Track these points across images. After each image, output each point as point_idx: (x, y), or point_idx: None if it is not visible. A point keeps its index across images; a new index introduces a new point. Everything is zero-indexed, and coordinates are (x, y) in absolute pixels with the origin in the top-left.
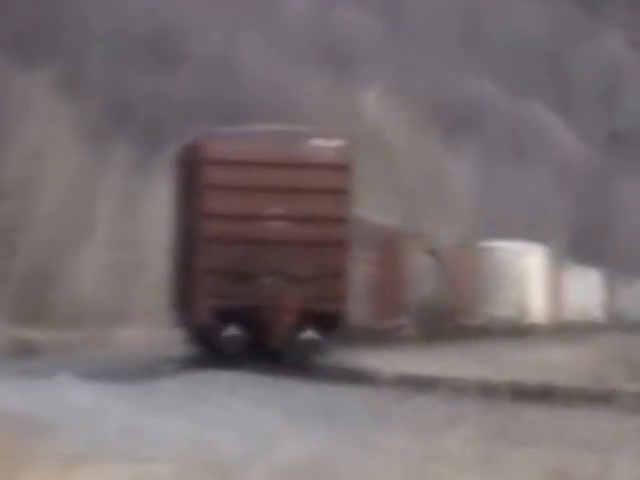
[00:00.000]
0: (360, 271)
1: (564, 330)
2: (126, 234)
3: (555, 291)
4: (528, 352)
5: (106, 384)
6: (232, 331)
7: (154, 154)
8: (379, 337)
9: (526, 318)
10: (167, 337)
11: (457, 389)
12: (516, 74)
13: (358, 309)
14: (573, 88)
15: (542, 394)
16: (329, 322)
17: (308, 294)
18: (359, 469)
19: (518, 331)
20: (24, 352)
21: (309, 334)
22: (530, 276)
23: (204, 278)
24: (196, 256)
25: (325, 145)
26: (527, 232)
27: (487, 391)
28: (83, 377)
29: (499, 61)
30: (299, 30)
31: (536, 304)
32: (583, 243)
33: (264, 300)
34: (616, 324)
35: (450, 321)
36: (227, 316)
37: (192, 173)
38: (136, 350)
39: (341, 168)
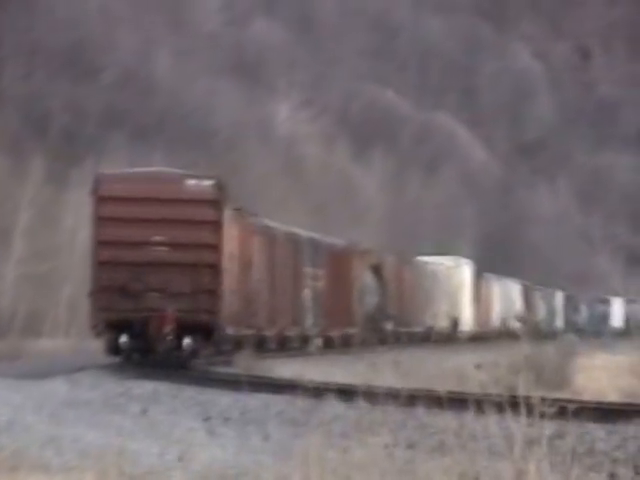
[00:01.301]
0: (313, 286)
1: (488, 338)
2: (44, 245)
3: (482, 302)
4: (449, 360)
5: (27, 394)
6: (124, 339)
7: (71, 166)
8: (331, 345)
9: (458, 327)
10: (85, 347)
11: (373, 397)
12: (426, 87)
13: (311, 321)
14: (481, 101)
15: (455, 402)
16: (204, 331)
17: (186, 308)
18: (276, 477)
19: (451, 339)
20: None
21: (187, 341)
22: (461, 289)
23: (100, 295)
24: (94, 277)
25: (200, 184)
26: (438, 242)
27: (403, 399)
28: (3, 388)
29: (409, 74)
30: (213, 43)
31: (466, 314)
32: (493, 253)
33: (150, 313)
34: (533, 332)
35: (391, 330)
36: (121, 327)
37: (93, 207)
38: (55, 360)
39: (213, 203)
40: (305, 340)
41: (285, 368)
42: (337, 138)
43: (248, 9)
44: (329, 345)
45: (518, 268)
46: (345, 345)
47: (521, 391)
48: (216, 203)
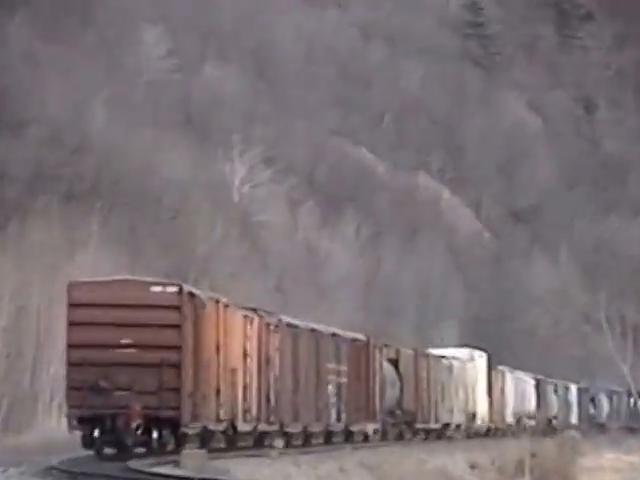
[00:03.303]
0: (336, 382)
1: (500, 435)
2: None
3: (496, 397)
4: (438, 459)
5: None
6: (96, 434)
7: None
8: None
9: (474, 422)
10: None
11: None
12: (404, 143)
13: (334, 416)
14: (469, 160)
15: None
16: (169, 425)
17: (152, 404)
18: None
19: (466, 435)
20: None
21: (154, 434)
22: (476, 383)
23: (73, 393)
24: (67, 376)
25: (163, 290)
26: (419, 321)
27: None
28: None
29: (384, 128)
30: (157, 93)
31: (481, 409)
32: (483, 335)
33: (119, 409)
34: (545, 429)
35: (409, 426)
36: (93, 422)
37: (66, 313)
38: None
39: (175, 308)
40: (329, 435)
41: (240, 469)
42: (302, 202)
43: (197, 53)
44: (348, 440)
45: (512, 354)
46: (364, 440)
47: None
48: (178, 308)
